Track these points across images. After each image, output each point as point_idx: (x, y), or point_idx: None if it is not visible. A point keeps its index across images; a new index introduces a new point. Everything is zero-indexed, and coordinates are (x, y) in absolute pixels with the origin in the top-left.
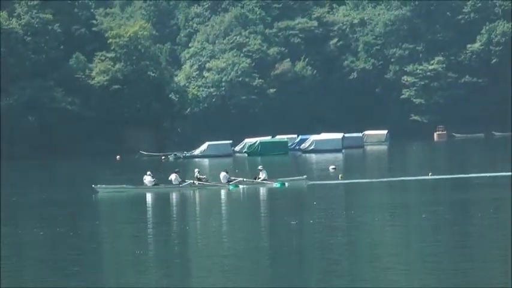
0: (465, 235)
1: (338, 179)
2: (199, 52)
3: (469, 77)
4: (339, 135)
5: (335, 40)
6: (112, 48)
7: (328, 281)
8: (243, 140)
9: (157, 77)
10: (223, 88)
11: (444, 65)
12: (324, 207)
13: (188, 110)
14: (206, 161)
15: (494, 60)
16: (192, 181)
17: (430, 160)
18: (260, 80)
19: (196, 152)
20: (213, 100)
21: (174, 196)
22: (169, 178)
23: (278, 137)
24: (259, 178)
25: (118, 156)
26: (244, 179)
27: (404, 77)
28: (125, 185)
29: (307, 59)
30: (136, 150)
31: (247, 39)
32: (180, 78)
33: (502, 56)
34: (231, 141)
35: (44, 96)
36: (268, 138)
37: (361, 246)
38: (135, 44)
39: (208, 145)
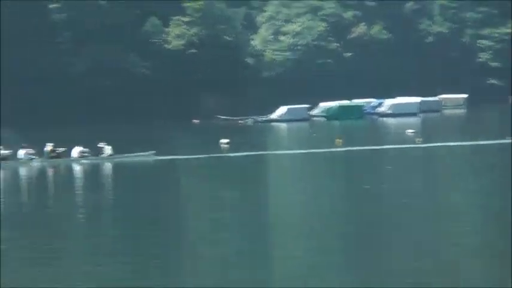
0: None
1: (415, 143)
2: (275, 16)
3: None
4: (416, 99)
5: (411, 3)
6: (188, 12)
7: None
8: (318, 104)
9: (233, 41)
10: (299, 52)
11: None
12: (398, 172)
13: (264, 73)
14: (283, 125)
15: None
16: (39, 157)
17: (508, 124)
18: (336, 44)
19: (274, 116)
20: (289, 64)
21: (22, 171)
22: (18, 153)
23: (354, 101)
24: (102, 154)
25: (195, 120)
26: (90, 155)
27: (480, 41)
28: None
29: (382, 23)
30: (213, 114)
31: (322, 3)
32: (256, 42)
33: None
34: (308, 106)
35: (120, 61)
36: (346, 102)
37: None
38: (210, 8)
39: (288, 109)
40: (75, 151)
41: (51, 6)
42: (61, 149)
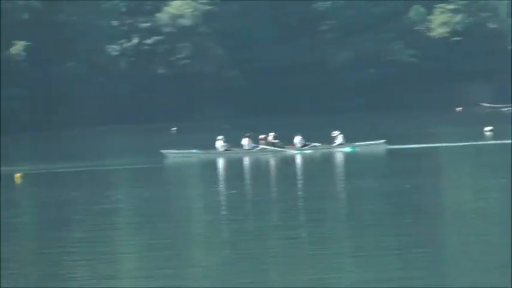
0: None
1: None
2: None
3: None
4: None
5: None
6: (452, 0)
7: None
8: None
9: (497, 29)
10: None
11: None
12: None
13: None
14: None
15: None
16: (263, 146)
17: None
18: None
19: None
20: None
21: (247, 161)
22: (242, 143)
23: None
24: (334, 143)
25: (458, 108)
26: (319, 144)
27: None
28: (194, 150)
29: None
30: (476, 102)
31: None
32: None
33: None
34: None
35: (384, 49)
36: None
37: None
38: None
39: None
40: (297, 140)
41: None
42: (275, 141)
